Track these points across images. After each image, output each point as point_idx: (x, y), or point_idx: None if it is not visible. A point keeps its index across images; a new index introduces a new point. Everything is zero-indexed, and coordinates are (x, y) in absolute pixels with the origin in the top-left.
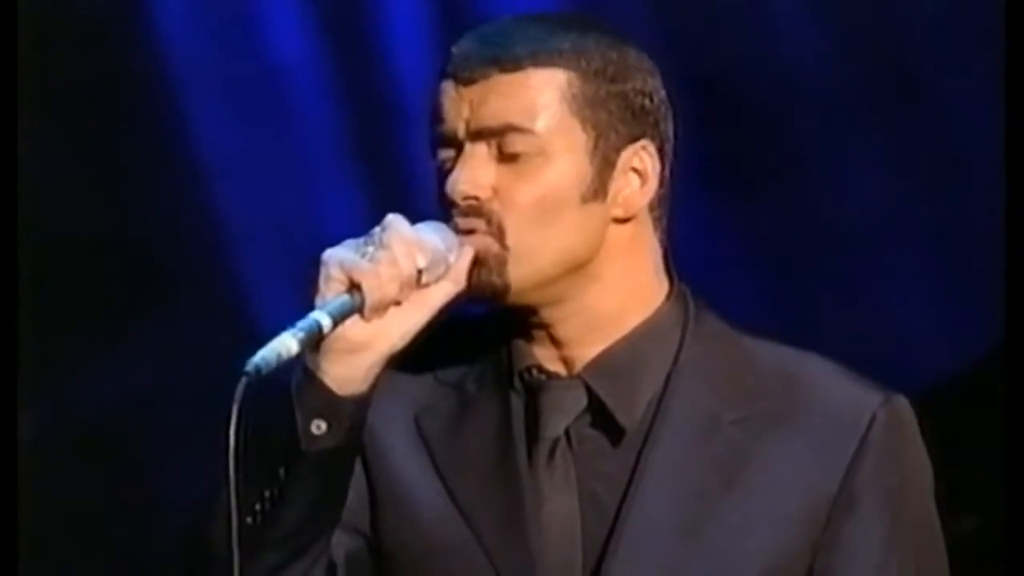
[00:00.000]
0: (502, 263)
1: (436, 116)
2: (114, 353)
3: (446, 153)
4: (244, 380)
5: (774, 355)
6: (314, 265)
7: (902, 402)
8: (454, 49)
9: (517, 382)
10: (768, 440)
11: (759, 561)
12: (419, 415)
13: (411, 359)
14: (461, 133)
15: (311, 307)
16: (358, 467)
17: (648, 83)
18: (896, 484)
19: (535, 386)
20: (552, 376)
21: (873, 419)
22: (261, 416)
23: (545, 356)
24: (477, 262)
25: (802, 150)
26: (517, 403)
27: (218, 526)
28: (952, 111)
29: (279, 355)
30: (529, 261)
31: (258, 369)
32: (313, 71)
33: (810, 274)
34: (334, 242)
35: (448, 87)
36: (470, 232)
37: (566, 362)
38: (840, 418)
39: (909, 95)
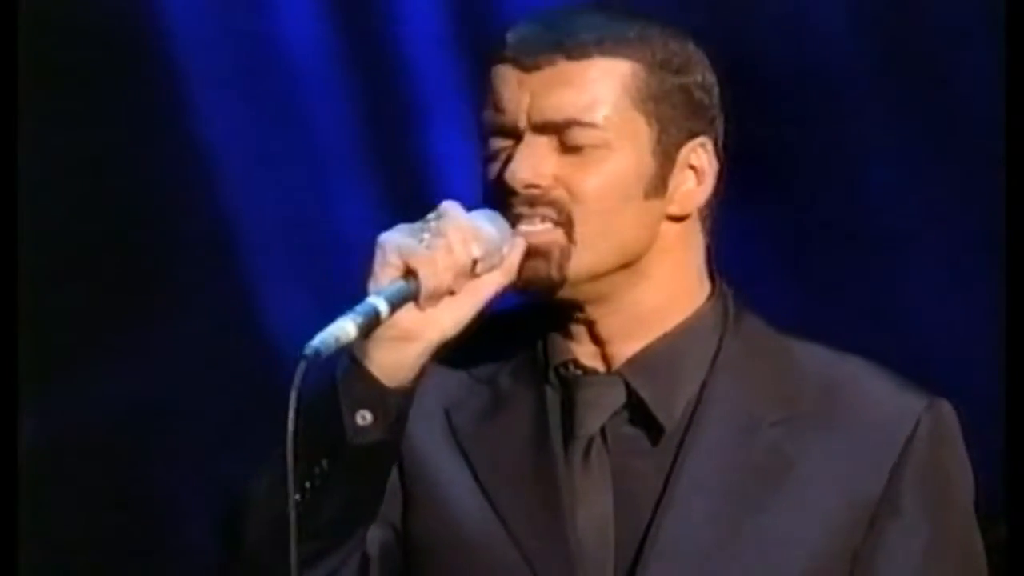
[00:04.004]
0: (565, 256)
1: (493, 103)
2: (117, 357)
3: (502, 142)
4: (303, 364)
5: (815, 357)
6: (342, 264)
7: (946, 407)
8: (510, 34)
9: (553, 377)
10: (810, 443)
11: (798, 565)
12: (450, 410)
13: (445, 355)
14: (522, 124)
15: (326, 304)
16: None
17: (707, 78)
18: (940, 490)
19: (571, 382)
20: (589, 372)
21: (918, 424)
22: (304, 407)
23: (583, 352)
24: (535, 253)
25: (827, 149)
26: (552, 399)
27: (256, 514)
28: (985, 112)
29: (337, 339)
30: (592, 253)
31: (317, 353)
32: (326, 66)
33: (835, 274)
34: (345, 242)
35: (507, 73)
36: (538, 220)
37: (604, 358)
38: (884, 422)
39: (938, 95)
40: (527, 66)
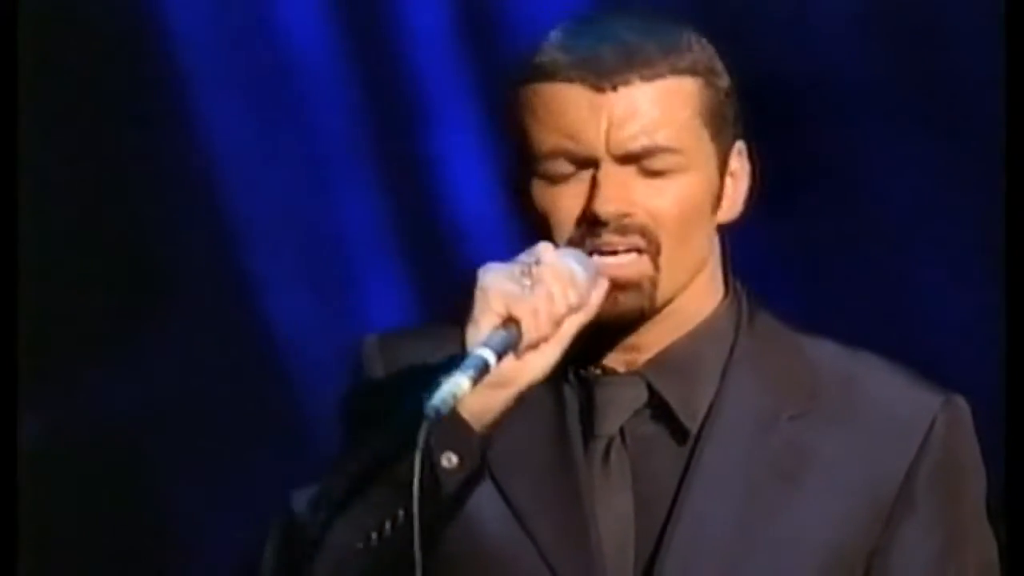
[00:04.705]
0: (654, 285)
1: (557, 126)
2: (118, 359)
3: (569, 168)
4: (426, 425)
5: (830, 353)
6: (345, 267)
7: (962, 403)
8: (560, 49)
9: (572, 377)
10: (826, 438)
11: (815, 561)
12: None
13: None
14: (600, 151)
15: (328, 306)
16: None
17: (733, 81)
18: (955, 487)
19: (591, 381)
20: (609, 372)
21: (934, 420)
22: (376, 442)
23: (603, 351)
24: (625, 286)
25: (831, 151)
26: (571, 398)
27: (326, 557)
28: (988, 114)
29: (455, 396)
30: (673, 280)
31: (438, 412)
32: (329, 66)
33: (838, 274)
34: (350, 245)
35: (574, 94)
36: (630, 250)
37: (625, 358)
38: (900, 418)
39: (952, 98)
40: (599, 87)
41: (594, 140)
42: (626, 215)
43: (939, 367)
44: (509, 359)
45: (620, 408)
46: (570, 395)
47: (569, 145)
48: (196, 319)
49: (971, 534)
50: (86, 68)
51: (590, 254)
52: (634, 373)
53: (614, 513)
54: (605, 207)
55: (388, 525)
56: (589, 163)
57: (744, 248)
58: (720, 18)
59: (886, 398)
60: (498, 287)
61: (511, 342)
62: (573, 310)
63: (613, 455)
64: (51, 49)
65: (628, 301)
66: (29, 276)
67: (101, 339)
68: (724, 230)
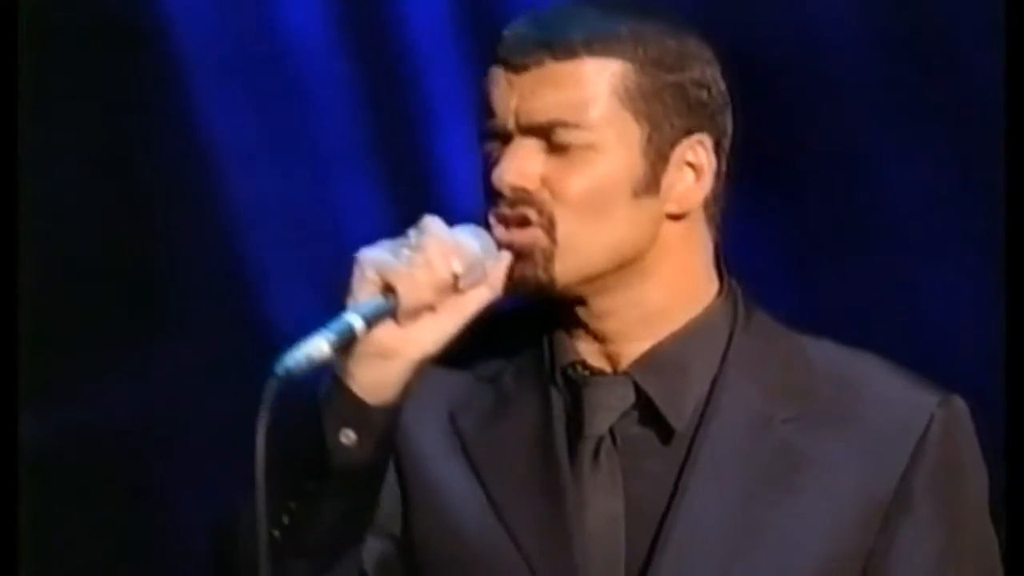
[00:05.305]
0: (549, 257)
1: (486, 106)
2: (118, 360)
3: (493, 144)
4: (274, 382)
5: (826, 354)
6: (347, 265)
7: (960, 403)
8: (506, 33)
9: (559, 378)
10: (822, 441)
11: (810, 564)
12: (454, 412)
13: (447, 354)
14: (510, 125)
15: (340, 309)
16: (390, 467)
17: (707, 73)
18: (953, 488)
19: (579, 382)
20: (596, 372)
21: (931, 421)
22: (289, 426)
23: (589, 351)
24: (521, 256)
25: (831, 148)
26: (558, 400)
27: (244, 537)
28: (990, 110)
29: (310, 357)
30: (576, 255)
31: (288, 371)
32: (330, 64)
33: (838, 271)
34: (353, 243)
35: (499, 75)
36: (521, 222)
37: (611, 358)
38: (896, 419)
39: (952, 95)
40: (516, 67)
41: (506, 115)
42: (519, 188)
43: (939, 367)
44: (389, 328)
45: (608, 409)
46: (557, 397)
47: (490, 121)
48: (197, 320)
49: (971, 535)
50: (87, 60)
51: (490, 227)
52: (621, 373)
53: (603, 513)
54: (499, 179)
55: (294, 505)
56: (504, 137)
57: (744, 247)
58: (720, 16)
59: (883, 399)
60: (372, 257)
61: (385, 309)
62: (466, 280)
63: (603, 456)
64: (50, 42)
65: (522, 271)
66: (29, 277)
67: (101, 341)
68: (716, 226)
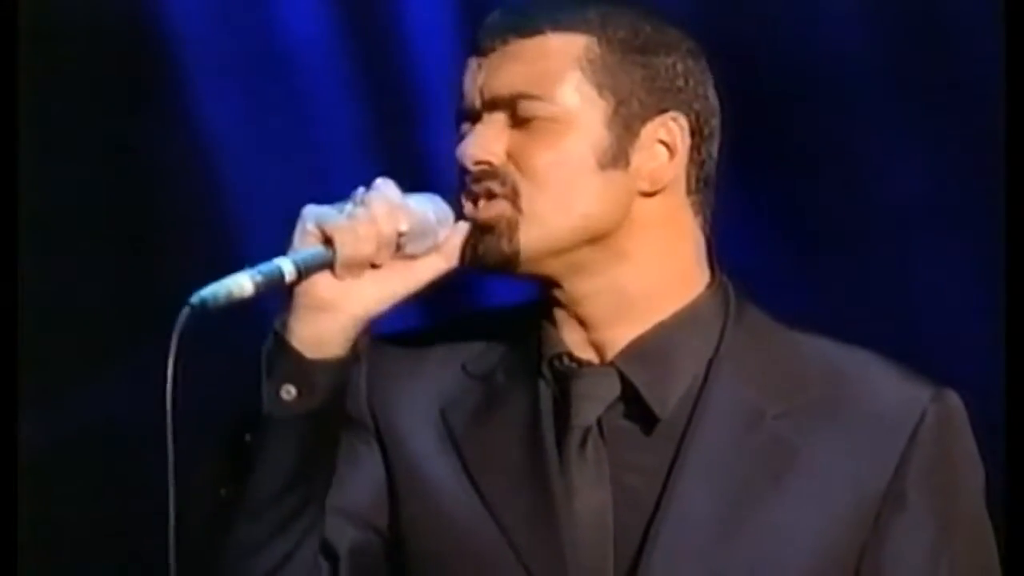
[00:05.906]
0: (513, 228)
1: (462, 92)
2: (118, 360)
3: (466, 126)
4: (187, 311)
5: (819, 349)
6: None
7: (953, 397)
8: (481, 25)
9: (546, 370)
10: (814, 436)
11: (803, 561)
12: (446, 409)
13: (439, 350)
14: (477, 103)
15: None
16: (377, 460)
17: (686, 64)
18: (947, 482)
19: (566, 374)
20: (583, 364)
21: (924, 415)
22: (238, 387)
23: (575, 342)
24: (486, 229)
25: (831, 145)
26: (546, 393)
27: (196, 506)
28: (990, 109)
29: (230, 292)
30: (541, 227)
31: (204, 302)
32: (329, 60)
33: (838, 269)
34: None
35: (471, 61)
36: (486, 195)
37: (597, 348)
38: (889, 414)
39: (953, 95)
40: (484, 50)
41: (473, 94)
42: (485, 163)
43: (938, 364)
44: (326, 279)
45: (595, 400)
46: (545, 390)
47: (460, 104)
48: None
49: (965, 529)
50: (85, 56)
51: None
52: (607, 364)
53: (591, 504)
54: (463, 155)
55: (238, 464)
56: (473, 117)
57: (743, 245)
58: (720, 15)
59: (876, 394)
60: (314, 211)
61: (321, 258)
62: (416, 245)
63: (590, 446)
64: (50, 43)
65: (488, 243)
66: (29, 277)
67: (101, 341)
68: (708, 218)
